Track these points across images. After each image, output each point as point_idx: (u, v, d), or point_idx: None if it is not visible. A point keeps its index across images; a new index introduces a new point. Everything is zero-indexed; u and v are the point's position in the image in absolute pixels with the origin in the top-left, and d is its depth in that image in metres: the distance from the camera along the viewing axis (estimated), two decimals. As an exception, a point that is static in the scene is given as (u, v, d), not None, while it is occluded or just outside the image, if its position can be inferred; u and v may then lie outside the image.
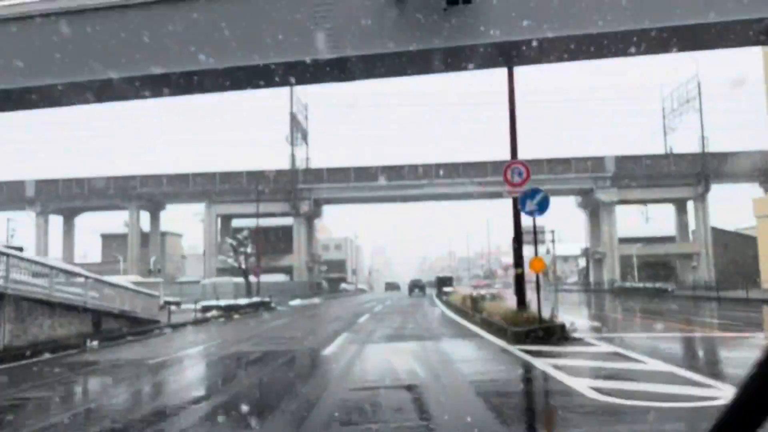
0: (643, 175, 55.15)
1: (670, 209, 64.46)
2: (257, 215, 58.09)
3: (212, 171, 56.28)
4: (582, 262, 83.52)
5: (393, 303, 36.12)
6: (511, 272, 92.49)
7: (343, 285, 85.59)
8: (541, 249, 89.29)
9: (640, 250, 56.85)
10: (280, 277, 53.60)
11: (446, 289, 33.82)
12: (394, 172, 56.45)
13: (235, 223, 64.80)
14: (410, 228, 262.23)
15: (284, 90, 57.73)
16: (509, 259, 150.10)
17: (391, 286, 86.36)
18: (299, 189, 56.48)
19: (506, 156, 17.16)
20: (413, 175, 56.21)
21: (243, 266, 32.86)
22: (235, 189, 56.53)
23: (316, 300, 46.24)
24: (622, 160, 55.72)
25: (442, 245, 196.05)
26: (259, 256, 46.02)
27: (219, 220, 61.32)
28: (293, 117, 57.08)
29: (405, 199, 60.03)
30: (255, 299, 29.93)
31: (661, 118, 62.32)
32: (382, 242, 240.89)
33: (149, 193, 57.00)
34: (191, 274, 66.09)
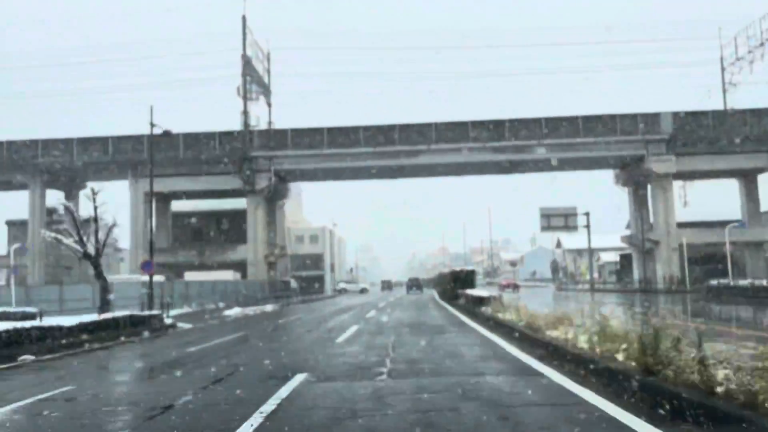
0: (710, 138, 41.66)
1: (726, 186, 51.24)
2: (200, 195, 43.96)
3: (138, 134, 41.90)
4: (606, 257, 70.13)
5: (396, 319, 22.31)
6: (522, 271, 77.87)
7: (343, 284, 71.75)
8: (571, 239, 75.40)
9: (702, 236, 43.28)
10: (225, 275, 39.50)
11: (472, 292, 19.66)
12: (381, 135, 42.52)
13: (177, 206, 50.59)
14: (399, 221, 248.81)
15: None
16: (510, 255, 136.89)
17: (387, 285, 77.29)
18: (254, 157, 42.38)
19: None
20: (406, 139, 42.32)
21: (89, 252, 18.59)
22: (170, 159, 42.34)
23: (269, 307, 32.26)
24: (682, 119, 42.16)
25: (433, 241, 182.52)
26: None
27: (153, 200, 47.05)
28: (247, 61, 42.97)
29: (395, 172, 46.11)
30: (121, 314, 16.02)
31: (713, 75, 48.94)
32: (369, 238, 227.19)
33: (53, 163, 42.61)
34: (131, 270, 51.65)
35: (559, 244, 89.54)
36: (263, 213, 43.47)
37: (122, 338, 14.89)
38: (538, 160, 43.08)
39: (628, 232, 58.46)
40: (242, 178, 42.10)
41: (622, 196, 49.42)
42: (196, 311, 29.80)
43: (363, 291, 68.73)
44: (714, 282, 37.35)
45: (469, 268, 28.07)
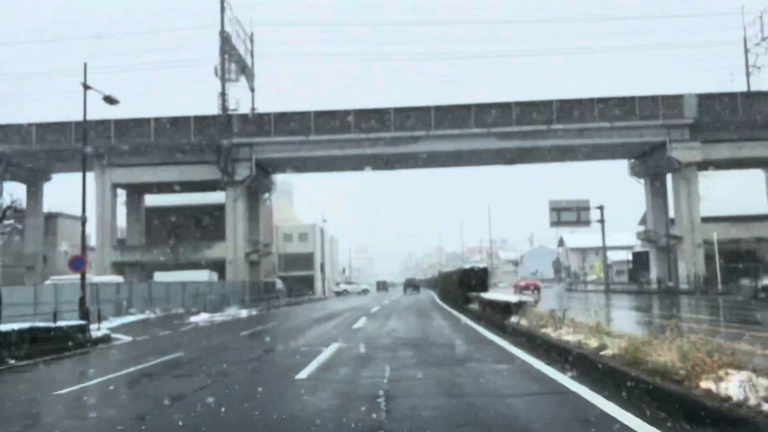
0: (737, 123, 37.63)
1: (740, 177, 47.44)
2: (174, 187, 39.76)
3: (106, 119, 37.53)
4: (613, 256, 66.04)
5: (392, 334, 18.14)
6: (522, 271, 74.18)
7: (344, 286, 67.54)
8: (574, 237, 71.35)
9: (728, 231, 39.21)
10: (200, 275, 35.21)
11: (491, 296, 15.30)
12: (375, 119, 38.31)
13: (153, 201, 46.28)
14: (394, 221, 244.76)
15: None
16: (509, 255, 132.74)
17: (382, 286, 76.56)
18: (233, 145, 38.11)
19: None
20: (402, 125, 38.14)
21: None
22: (140, 147, 38.07)
23: (244, 313, 28.04)
24: (708, 101, 38.10)
25: (429, 241, 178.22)
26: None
27: (124, 193, 42.81)
28: (225, 38, 38.68)
29: (390, 162, 41.92)
30: (5, 328, 11.76)
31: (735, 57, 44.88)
32: (363, 238, 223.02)
33: (6, 151, 38.22)
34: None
35: (561, 243, 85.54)
36: (244, 206, 39.17)
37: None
38: (547, 147, 38.97)
39: (641, 229, 54.48)
40: (220, 167, 37.83)
41: (634, 190, 45.35)
42: (159, 317, 25.53)
43: (364, 292, 65.15)
44: (746, 281, 33.46)
45: (481, 265, 23.22)
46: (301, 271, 62.97)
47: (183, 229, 45.88)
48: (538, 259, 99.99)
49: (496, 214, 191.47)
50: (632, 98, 37.93)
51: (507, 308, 11.66)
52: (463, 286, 19.16)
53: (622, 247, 59.85)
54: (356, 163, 42.16)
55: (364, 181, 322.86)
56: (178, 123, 38.58)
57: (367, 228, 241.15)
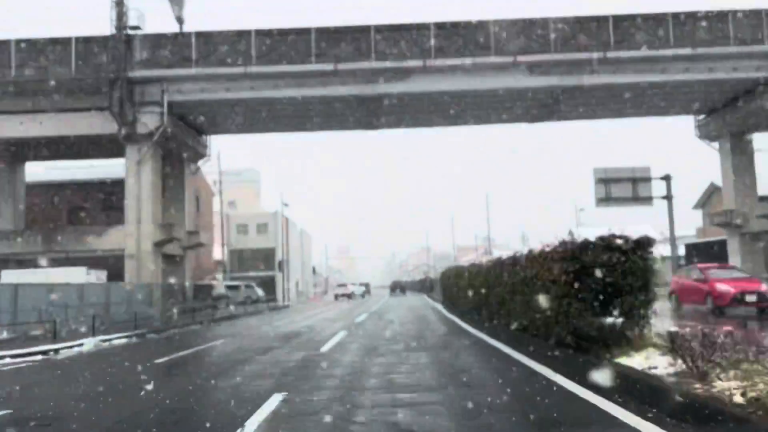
0: None
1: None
2: (51, 146, 27.75)
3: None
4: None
5: None
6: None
7: (351, 287, 55.61)
8: (586, 231, 59.32)
9: None
10: (71, 275, 22.38)
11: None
12: (348, 41, 25.89)
13: (40, 174, 33.45)
14: (378, 220, 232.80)
15: None
16: (505, 254, 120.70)
17: (366, 290, 62.50)
18: (136, 80, 25.56)
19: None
20: (388, 51, 25.80)
21: None
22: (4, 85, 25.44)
23: (123, 342, 15.57)
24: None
25: (415, 241, 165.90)
26: None
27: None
28: None
29: (370, 112, 29.45)
30: None
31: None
32: (346, 239, 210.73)
33: None
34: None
35: (571, 237, 73.55)
36: (153, 175, 26.53)
37: None
38: (595, 88, 26.96)
39: (697, 214, 42.75)
40: (113, 112, 25.23)
41: (686, 162, 33.38)
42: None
43: (360, 294, 54.47)
44: None
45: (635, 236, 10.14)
46: (260, 272, 50.31)
47: (79, 211, 32.98)
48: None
49: (483, 214, 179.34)
50: (724, 13, 25.94)
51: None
52: (577, 299, 6.49)
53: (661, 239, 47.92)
54: (319, 113, 29.64)
55: (344, 174, 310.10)
56: (55, 48, 25.87)
57: (350, 228, 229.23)
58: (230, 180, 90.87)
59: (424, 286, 56.63)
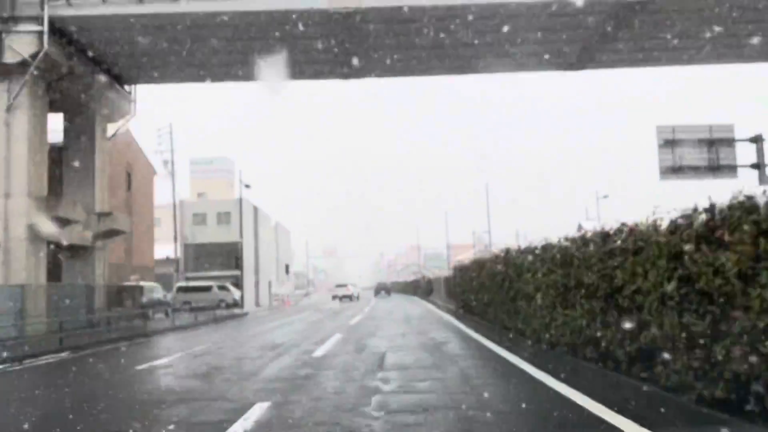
0: None
1: None
2: None
3: None
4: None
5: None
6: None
7: (351, 288, 49.27)
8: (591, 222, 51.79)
9: None
10: None
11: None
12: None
13: None
14: (365, 220, 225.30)
15: None
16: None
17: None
18: (1, -17, 17.32)
19: None
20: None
21: None
22: None
23: None
24: None
25: (403, 241, 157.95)
26: None
27: None
28: None
29: (350, 35, 21.28)
30: None
31: None
32: (332, 240, 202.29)
33: None
34: None
35: (580, 230, 65.96)
36: (31, 126, 18.25)
37: None
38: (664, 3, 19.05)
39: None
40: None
41: None
42: None
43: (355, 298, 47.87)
44: None
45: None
46: (223, 270, 41.93)
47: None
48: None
49: (480, 210, 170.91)
50: None
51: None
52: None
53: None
54: (284, 56, 21.40)
55: (331, 173, 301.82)
56: None
57: (337, 228, 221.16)
58: (200, 169, 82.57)
59: (417, 288, 48.58)
